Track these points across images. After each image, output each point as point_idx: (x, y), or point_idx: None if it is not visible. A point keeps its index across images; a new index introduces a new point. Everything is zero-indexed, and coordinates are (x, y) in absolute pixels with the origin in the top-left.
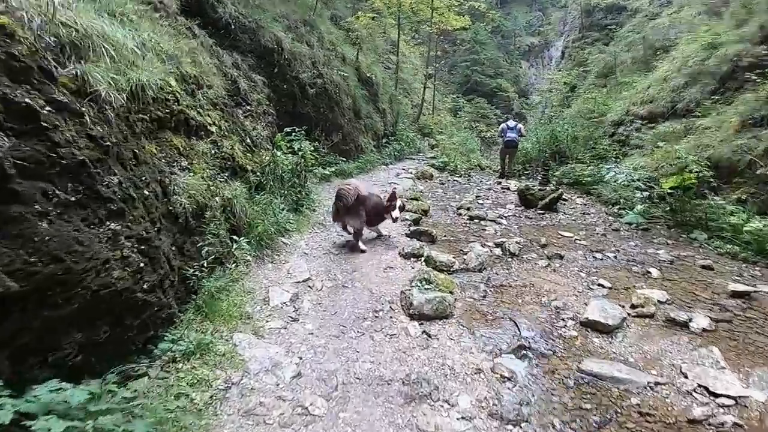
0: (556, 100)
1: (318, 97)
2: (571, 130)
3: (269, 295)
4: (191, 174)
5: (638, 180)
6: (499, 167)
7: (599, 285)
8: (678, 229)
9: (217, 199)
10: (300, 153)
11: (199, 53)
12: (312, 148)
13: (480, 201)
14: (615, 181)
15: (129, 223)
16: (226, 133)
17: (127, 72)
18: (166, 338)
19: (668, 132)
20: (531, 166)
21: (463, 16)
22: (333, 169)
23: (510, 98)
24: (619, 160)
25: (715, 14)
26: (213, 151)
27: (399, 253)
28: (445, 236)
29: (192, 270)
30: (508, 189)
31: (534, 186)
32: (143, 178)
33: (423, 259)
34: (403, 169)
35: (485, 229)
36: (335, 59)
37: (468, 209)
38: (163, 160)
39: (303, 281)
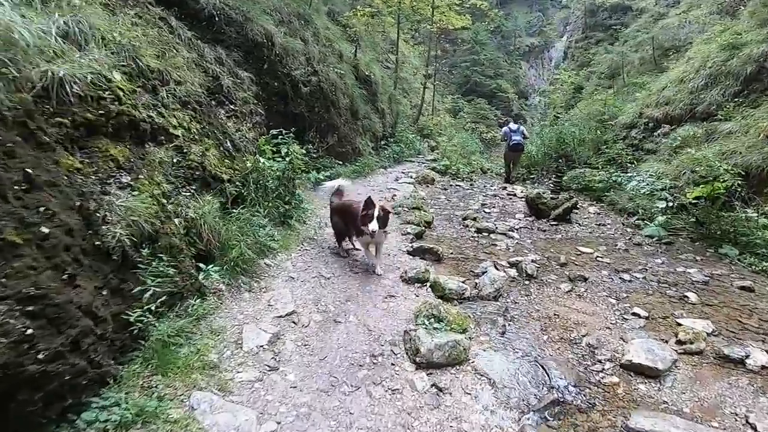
0: (561, 101)
1: (312, 95)
2: (578, 133)
3: (243, 335)
4: (135, 193)
5: (662, 189)
6: (502, 171)
7: (634, 314)
8: (703, 243)
9: (176, 221)
10: (288, 158)
11: (171, 46)
12: (303, 152)
13: (486, 210)
14: (637, 191)
15: (4, 279)
16: (197, 136)
17: (33, 64)
18: (93, 405)
19: (688, 136)
20: (536, 169)
21: (464, 15)
22: (328, 173)
23: (510, 99)
24: (633, 165)
25: (728, 14)
26: (176, 160)
27: (401, 276)
28: (452, 253)
29: (136, 314)
30: (515, 195)
31: (545, 194)
32: (43, 209)
33: (429, 284)
34: (403, 173)
35: (495, 244)
36: (332, 56)
37: (474, 219)
38: (93, 177)
39: (286, 315)
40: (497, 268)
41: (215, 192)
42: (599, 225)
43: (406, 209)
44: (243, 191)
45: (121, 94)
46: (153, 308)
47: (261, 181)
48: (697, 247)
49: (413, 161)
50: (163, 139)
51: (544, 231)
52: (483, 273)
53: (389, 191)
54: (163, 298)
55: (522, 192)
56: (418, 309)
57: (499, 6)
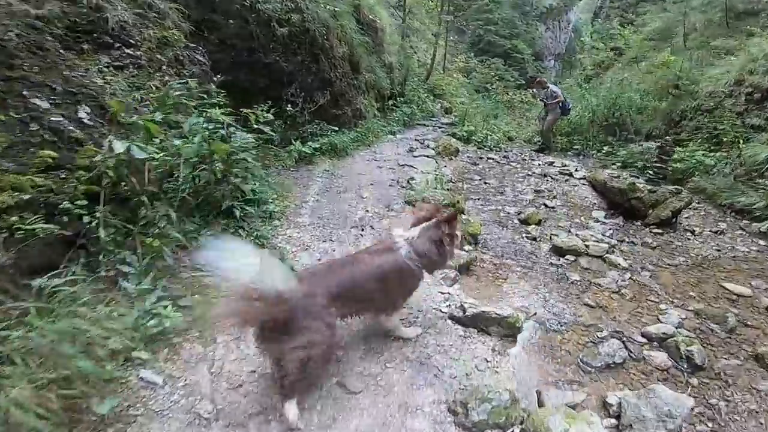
0: (603, 63)
1: (293, 39)
2: (639, 99)
3: None
4: None
5: None
6: (535, 138)
7: None
8: None
9: None
10: (196, 138)
11: None
12: (265, 117)
13: (547, 201)
14: None
15: None
16: None
17: None
18: None
19: None
20: (580, 139)
21: None
22: (318, 144)
23: (525, 60)
24: (740, 145)
25: None
26: None
27: (450, 410)
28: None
29: None
30: (571, 175)
31: (636, 181)
32: None
33: None
34: (417, 141)
35: (599, 283)
36: None
37: (539, 224)
38: None
39: None
40: (663, 381)
41: None
42: (716, 233)
43: None
44: (89, 218)
45: None
46: None
47: (134, 190)
48: None
49: (426, 125)
50: None
51: (653, 247)
52: (610, 363)
53: (403, 169)
54: None
55: (576, 171)
56: None
57: None
